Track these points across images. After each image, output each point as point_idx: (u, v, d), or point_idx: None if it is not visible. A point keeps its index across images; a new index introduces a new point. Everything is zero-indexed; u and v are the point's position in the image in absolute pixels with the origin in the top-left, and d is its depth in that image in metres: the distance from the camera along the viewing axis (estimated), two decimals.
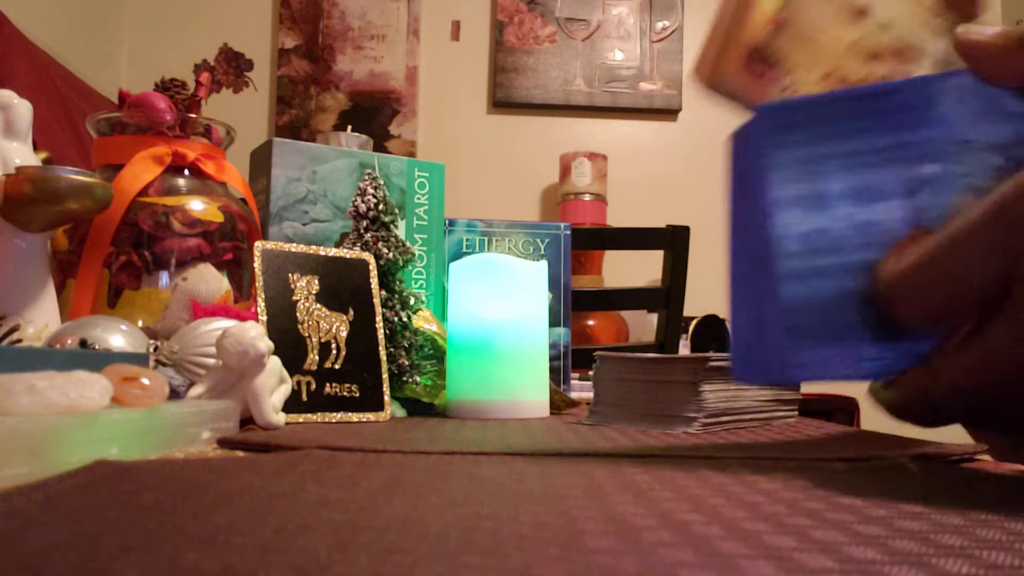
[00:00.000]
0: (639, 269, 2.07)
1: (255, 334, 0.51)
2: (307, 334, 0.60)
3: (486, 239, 1.00)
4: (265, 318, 0.58)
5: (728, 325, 0.34)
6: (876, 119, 0.30)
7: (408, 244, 0.72)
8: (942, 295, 0.28)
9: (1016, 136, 0.29)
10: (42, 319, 0.61)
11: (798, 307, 0.29)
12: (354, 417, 0.60)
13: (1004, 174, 0.27)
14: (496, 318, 0.69)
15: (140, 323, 0.68)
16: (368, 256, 0.67)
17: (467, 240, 1.00)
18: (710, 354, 0.57)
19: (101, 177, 0.64)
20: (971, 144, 0.29)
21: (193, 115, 0.75)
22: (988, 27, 0.30)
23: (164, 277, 0.70)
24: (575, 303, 1.05)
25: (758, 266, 0.31)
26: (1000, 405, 0.28)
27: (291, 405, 0.56)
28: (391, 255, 0.69)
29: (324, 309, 0.62)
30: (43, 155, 0.70)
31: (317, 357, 0.60)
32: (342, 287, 0.64)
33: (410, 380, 0.68)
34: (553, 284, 0.93)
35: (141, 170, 0.70)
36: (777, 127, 0.30)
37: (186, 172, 0.74)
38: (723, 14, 0.38)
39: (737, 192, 0.33)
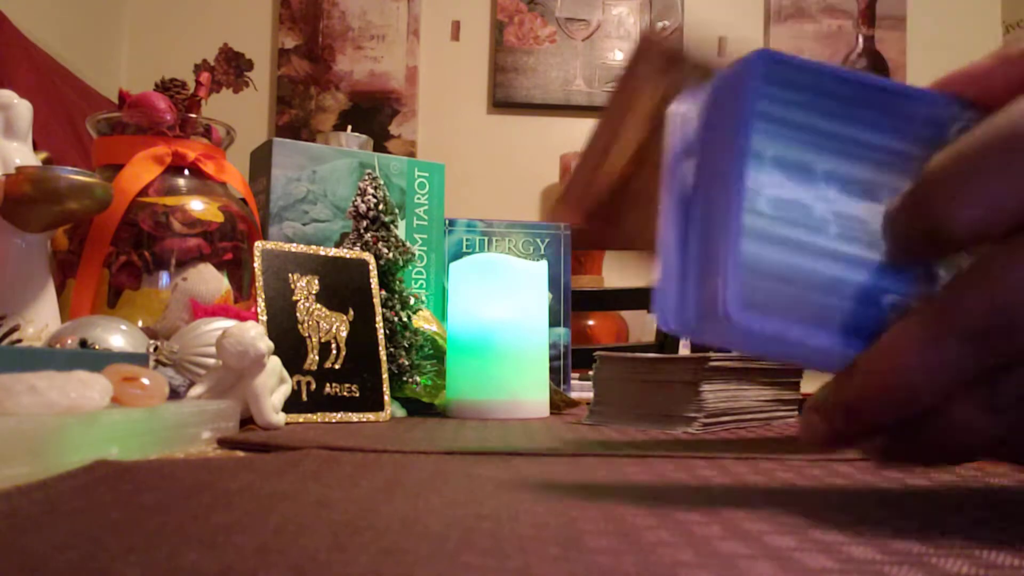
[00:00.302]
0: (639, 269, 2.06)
1: (255, 334, 0.51)
2: (307, 334, 0.60)
3: (486, 239, 1.00)
4: (265, 318, 0.58)
5: (657, 263, 0.29)
6: (892, 119, 0.28)
7: (408, 244, 0.72)
8: (1016, 177, 0.23)
9: None
10: (42, 319, 0.61)
11: (757, 269, 0.26)
12: (354, 417, 0.60)
13: None
14: (496, 318, 0.69)
15: (140, 323, 0.68)
16: (368, 256, 0.67)
17: (467, 240, 1.00)
18: (710, 354, 0.57)
19: (101, 177, 0.64)
20: None
21: (193, 115, 0.75)
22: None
23: (164, 277, 0.70)
24: (575, 303, 1.05)
25: (713, 220, 0.27)
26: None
27: (291, 405, 0.56)
28: (391, 255, 0.69)
29: (324, 309, 0.62)
30: (43, 155, 0.70)
31: (317, 357, 0.60)
32: (342, 287, 0.64)
33: (410, 380, 0.68)
34: (553, 284, 0.93)
35: (141, 170, 0.70)
36: (776, 78, 0.27)
37: (186, 172, 0.74)
38: (594, 145, 0.38)
39: (707, 140, 0.29)
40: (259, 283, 0.59)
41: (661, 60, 0.35)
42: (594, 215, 0.39)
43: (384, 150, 2.27)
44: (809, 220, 0.27)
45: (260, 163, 0.89)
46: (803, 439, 0.26)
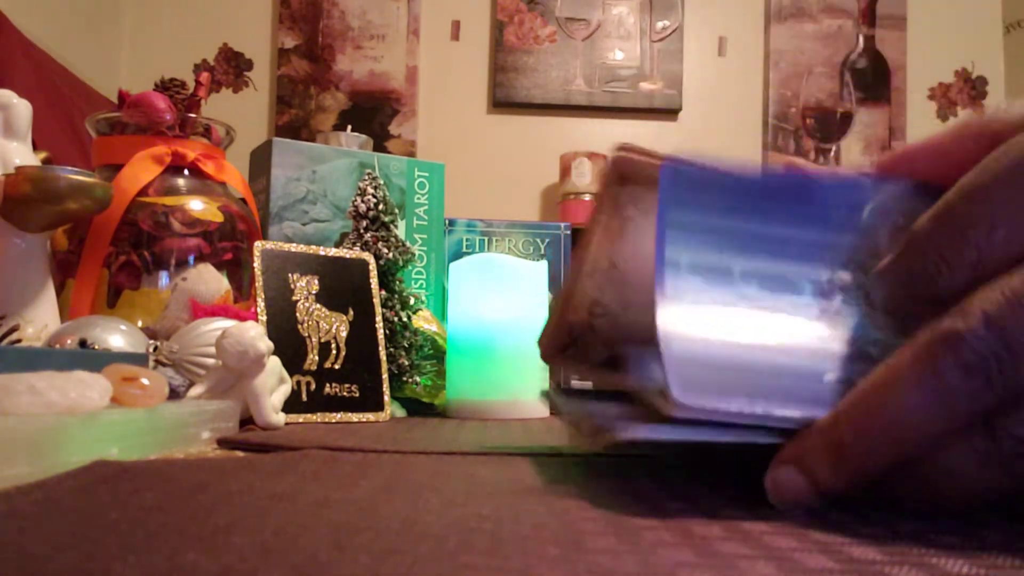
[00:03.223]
0: None
1: (255, 334, 0.50)
2: (307, 334, 0.60)
3: (486, 239, 1.00)
4: (265, 318, 0.58)
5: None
6: (805, 210, 0.28)
7: (408, 244, 0.71)
8: None
9: None
10: (42, 319, 0.61)
11: (692, 361, 0.26)
12: (354, 417, 0.60)
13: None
14: (496, 318, 0.69)
15: (140, 323, 0.68)
16: (368, 256, 0.67)
17: (467, 240, 1.00)
18: None
19: (101, 177, 0.64)
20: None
21: (193, 115, 0.75)
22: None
23: (164, 277, 0.70)
24: None
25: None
26: None
27: (291, 405, 0.56)
28: (391, 255, 0.69)
29: (324, 309, 0.62)
30: (43, 155, 0.70)
31: (317, 357, 0.60)
32: (342, 287, 0.64)
33: (410, 380, 0.68)
34: (553, 284, 0.92)
35: (140, 170, 0.70)
36: (684, 186, 0.28)
37: (186, 172, 0.74)
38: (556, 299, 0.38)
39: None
40: (259, 283, 0.59)
41: (614, 174, 0.35)
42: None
43: (384, 150, 2.27)
44: (730, 319, 0.27)
45: (260, 163, 0.89)
46: (776, 498, 0.25)
